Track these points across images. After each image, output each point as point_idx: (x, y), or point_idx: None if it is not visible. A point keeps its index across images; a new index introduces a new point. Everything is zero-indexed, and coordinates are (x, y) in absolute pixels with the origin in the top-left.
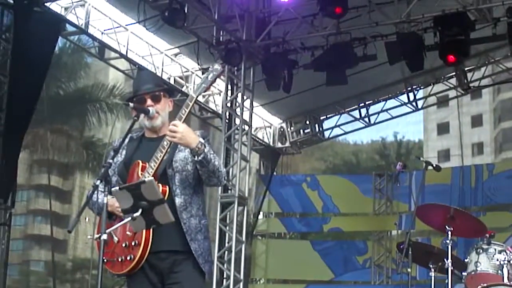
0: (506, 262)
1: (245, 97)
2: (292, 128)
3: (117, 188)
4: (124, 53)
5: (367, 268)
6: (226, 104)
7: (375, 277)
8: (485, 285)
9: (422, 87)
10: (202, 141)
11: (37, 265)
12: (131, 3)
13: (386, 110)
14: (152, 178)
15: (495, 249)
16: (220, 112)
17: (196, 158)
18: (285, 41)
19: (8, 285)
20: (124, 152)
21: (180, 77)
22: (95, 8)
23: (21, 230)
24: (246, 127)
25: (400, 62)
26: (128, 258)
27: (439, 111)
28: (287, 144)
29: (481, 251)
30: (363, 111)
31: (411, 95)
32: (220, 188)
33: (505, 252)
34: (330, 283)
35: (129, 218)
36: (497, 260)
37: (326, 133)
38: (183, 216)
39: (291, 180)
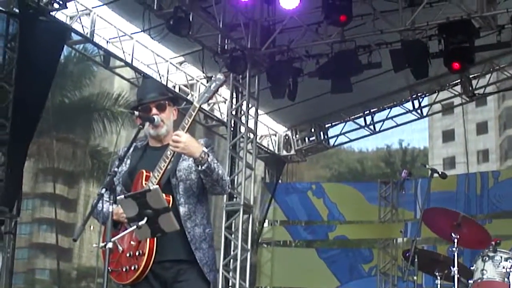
0: None
1: (250, 105)
2: (297, 136)
3: (122, 196)
4: (129, 61)
5: (372, 276)
6: (231, 112)
7: (381, 285)
8: None
9: (427, 95)
10: (206, 150)
11: (42, 274)
12: (136, 12)
13: (391, 117)
14: (157, 186)
15: (501, 257)
16: (225, 120)
17: (199, 168)
18: (290, 49)
19: None
20: (128, 161)
21: (185, 86)
22: (100, 17)
23: (27, 238)
24: (251, 135)
25: (404, 69)
26: (133, 268)
27: (444, 119)
28: (292, 152)
29: (487, 258)
30: (368, 118)
31: (416, 102)
32: (225, 196)
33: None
34: None
35: (135, 227)
36: (503, 267)
37: (331, 141)
38: (188, 225)
39: (297, 188)
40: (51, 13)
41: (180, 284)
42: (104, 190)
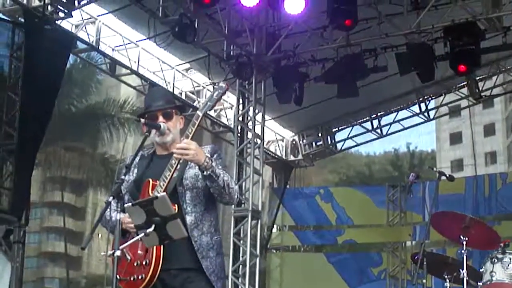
0: None
1: (256, 111)
2: (304, 140)
3: (129, 204)
4: (135, 69)
5: (382, 279)
6: (238, 118)
7: None
8: None
9: (433, 97)
10: (209, 155)
11: (51, 283)
12: (141, 20)
13: (398, 121)
14: (165, 193)
15: (510, 259)
16: (232, 126)
17: (205, 173)
18: (295, 54)
19: None
20: (135, 170)
21: (192, 92)
22: (105, 25)
23: (35, 247)
24: (258, 141)
25: (411, 72)
26: (140, 277)
27: (451, 121)
28: (300, 156)
29: (496, 260)
30: (375, 122)
31: (422, 105)
32: None
33: None
34: None
35: (142, 234)
36: None
37: (339, 145)
38: (194, 234)
39: (304, 192)
40: (56, 22)
41: None
42: (111, 198)
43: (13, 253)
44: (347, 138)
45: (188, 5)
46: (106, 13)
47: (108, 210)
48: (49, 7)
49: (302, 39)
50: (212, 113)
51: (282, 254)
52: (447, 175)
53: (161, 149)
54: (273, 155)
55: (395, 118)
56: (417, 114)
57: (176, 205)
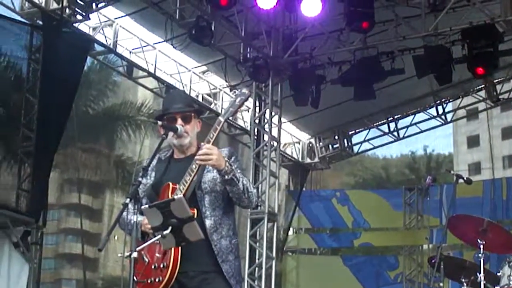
0: None
1: (273, 113)
2: (320, 143)
3: (147, 206)
4: (152, 71)
5: (398, 283)
6: (254, 121)
7: None
8: None
9: (451, 100)
10: (228, 160)
11: (69, 284)
12: (158, 22)
13: (415, 123)
14: (182, 195)
15: None
16: (248, 128)
17: (226, 177)
18: (312, 57)
19: None
20: (153, 174)
21: (208, 95)
22: (123, 28)
23: (53, 249)
24: (275, 143)
25: (428, 75)
26: (157, 280)
27: (468, 124)
28: (316, 159)
29: None
30: (392, 125)
31: (440, 108)
32: None
33: None
34: None
35: (159, 236)
36: None
37: (355, 148)
38: (214, 238)
39: (321, 195)
40: (74, 24)
41: None
42: (128, 200)
43: (31, 254)
44: (364, 141)
45: (205, 8)
46: (123, 16)
47: (126, 212)
48: (67, 10)
49: (319, 42)
50: None
51: (298, 256)
52: (465, 178)
53: (178, 152)
54: (290, 157)
55: (412, 121)
56: (434, 117)
57: (195, 209)
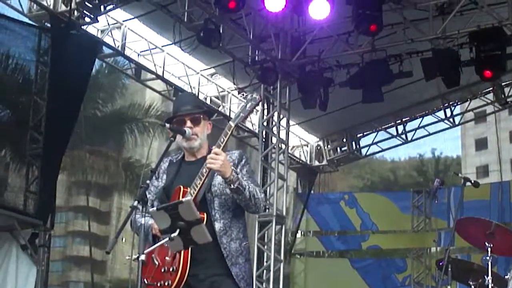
0: None
1: (281, 116)
2: (329, 146)
3: (154, 209)
4: (161, 74)
5: (406, 285)
6: (262, 123)
7: None
8: None
9: (459, 103)
10: (235, 169)
11: (76, 286)
12: (166, 25)
13: (423, 126)
14: (190, 198)
15: None
16: (256, 131)
17: (232, 186)
18: (320, 59)
19: None
20: (164, 176)
21: (217, 97)
22: (131, 30)
23: (61, 251)
24: (283, 146)
25: (436, 78)
26: (166, 283)
27: (476, 127)
28: (324, 162)
29: None
30: (400, 128)
31: (448, 111)
32: None
33: None
34: None
35: (167, 239)
36: None
37: (363, 151)
38: (223, 241)
39: (329, 198)
40: (82, 27)
41: None
42: (136, 202)
43: (39, 256)
44: (372, 144)
45: (213, 11)
46: (131, 18)
47: (134, 214)
48: (75, 12)
49: (327, 45)
50: None
51: (306, 259)
52: (472, 181)
53: (189, 155)
54: (298, 160)
55: (420, 123)
56: (442, 120)
57: (204, 214)
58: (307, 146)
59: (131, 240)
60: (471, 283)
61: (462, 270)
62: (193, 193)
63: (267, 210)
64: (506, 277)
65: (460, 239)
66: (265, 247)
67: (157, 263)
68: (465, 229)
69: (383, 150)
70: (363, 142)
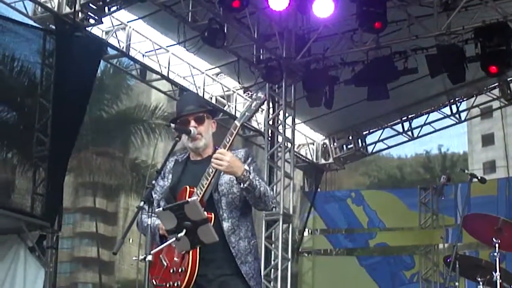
0: None
1: (287, 115)
2: (335, 144)
3: (161, 209)
4: (166, 74)
5: (414, 282)
6: (268, 122)
7: None
8: None
9: (465, 99)
10: (247, 168)
11: None
12: (171, 25)
13: (429, 123)
14: (196, 198)
15: None
16: (262, 130)
17: (242, 186)
18: (325, 57)
19: None
20: (170, 176)
21: (222, 97)
22: (135, 31)
23: (68, 253)
24: (289, 144)
25: (441, 74)
26: (175, 284)
27: (483, 123)
28: (331, 160)
29: None
30: (406, 124)
31: (454, 107)
32: None
33: None
34: None
35: (174, 239)
36: None
37: (370, 148)
38: (232, 240)
39: (336, 196)
40: (87, 28)
41: None
42: (143, 203)
43: (47, 258)
44: (378, 141)
45: (217, 10)
46: (136, 19)
47: (140, 215)
48: (80, 14)
49: (332, 42)
50: None
51: (314, 257)
52: (479, 177)
53: (194, 154)
54: (304, 158)
55: (426, 120)
56: (448, 116)
57: (212, 214)
58: (313, 144)
59: (138, 241)
60: (479, 279)
61: (470, 267)
62: (200, 193)
63: (274, 209)
64: None
65: (468, 236)
66: (273, 246)
67: (165, 264)
68: (472, 225)
69: (389, 147)
70: (369, 139)
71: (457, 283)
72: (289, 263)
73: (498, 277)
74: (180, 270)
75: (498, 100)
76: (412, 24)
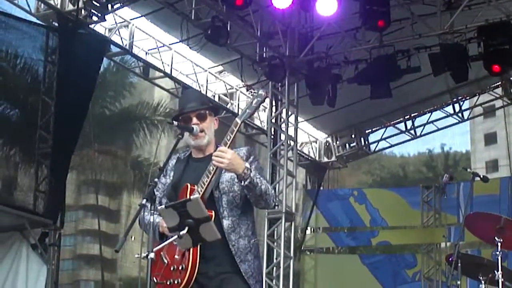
0: None
1: (289, 113)
2: (337, 142)
3: (163, 206)
4: (169, 72)
5: (416, 281)
6: (271, 120)
7: None
8: None
9: (467, 98)
10: (248, 166)
11: (87, 285)
12: (174, 23)
13: (432, 122)
14: (198, 196)
15: None
16: (265, 128)
17: (242, 183)
18: (328, 56)
19: None
20: (172, 173)
21: (225, 95)
22: (138, 29)
23: (71, 250)
24: (292, 143)
25: (444, 73)
26: (176, 282)
27: (485, 121)
28: (333, 158)
29: None
30: (409, 123)
31: (456, 106)
32: None
33: None
34: None
35: (176, 236)
36: None
37: (372, 147)
38: (232, 238)
39: (338, 194)
40: (90, 26)
41: None
42: (145, 200)
43: (49, 255)
44: (381, 139)
45: (221, 8)
46: (139, 17)
47: (143, 212)
48: (83, 11)
49: (335, 41)
50: None
51: (316, 256)
52: (481, 176)
53: (196, 151)
54: (307, 156)
55: (428, 119)
56: (451, 115)
57: (213, 211)
58: (316, 143)
59: (140, 239)
60: (481, 278)
61: (472, 265)
62: (201, 190)
63: (276, 207)
64: None
65: (470, 234)
66: (275, 244)
67: (166, 261)
68: (474, 224)
69: (392, 146)
70: (372, 138)
71: (459, 282)
72: (291, 261)
73: (500, 276)
74: (180, 268)
75: (501, 99)
76: (415, 22)
